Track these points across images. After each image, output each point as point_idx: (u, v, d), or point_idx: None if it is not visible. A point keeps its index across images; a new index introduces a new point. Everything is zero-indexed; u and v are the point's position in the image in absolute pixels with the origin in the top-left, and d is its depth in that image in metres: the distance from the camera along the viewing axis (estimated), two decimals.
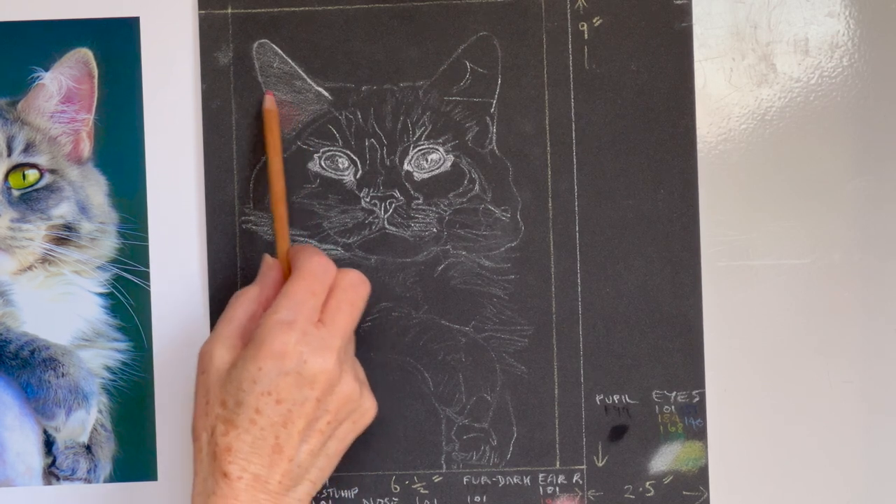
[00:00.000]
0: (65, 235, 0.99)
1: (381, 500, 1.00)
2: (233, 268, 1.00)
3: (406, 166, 1.00)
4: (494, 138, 1.00)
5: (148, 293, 1.00)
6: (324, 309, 0.91)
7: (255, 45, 0.99)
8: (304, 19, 0.99)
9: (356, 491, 1.00)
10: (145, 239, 1.00)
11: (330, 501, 1.00)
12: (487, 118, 1.00)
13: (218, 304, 0.98)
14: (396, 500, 1.00)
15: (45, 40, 0.99)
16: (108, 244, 1.00)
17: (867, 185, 1.00)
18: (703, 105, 1.00)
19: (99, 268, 1.00)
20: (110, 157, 1.00)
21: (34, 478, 1.00)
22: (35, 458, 1.00)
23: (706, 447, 1.00)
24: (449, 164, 1.00)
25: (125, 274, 1.00)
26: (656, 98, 1.00)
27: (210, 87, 0.99)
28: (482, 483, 1.00)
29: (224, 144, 1.00)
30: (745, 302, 1.00)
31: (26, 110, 0.99)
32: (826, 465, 1.01)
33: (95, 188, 0.99)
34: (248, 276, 0.99)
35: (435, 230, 1.00)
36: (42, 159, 0.99)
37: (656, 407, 1.00)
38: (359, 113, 1.00)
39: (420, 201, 1.00)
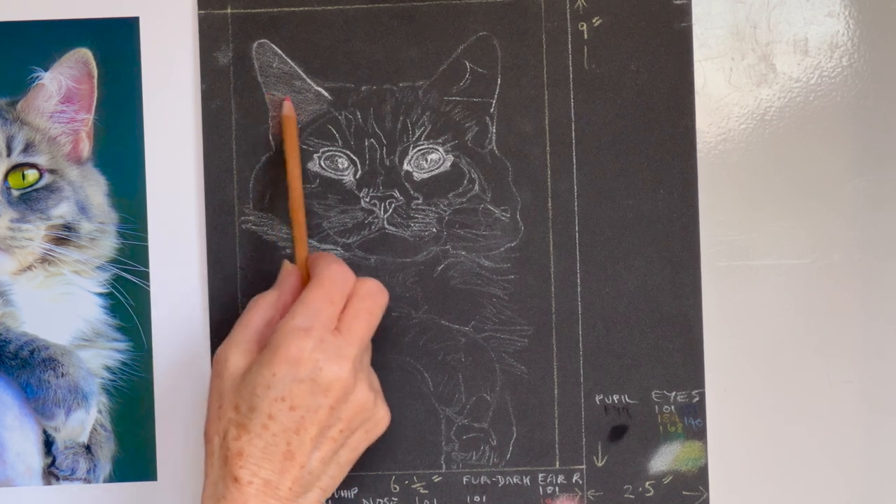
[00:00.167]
0: (64, 235, 0.99)
1: (381, 500, 1.00)
2: (232, 268, 1.00)
3: (406, 166, 1.00)
4: (494, 138, 1.00)
5: (148, 293, 1.00)
6: (341, 317, 0.91)
7: (255, 45, 0.99)
8: (304, 19, 0.99)
9: (356, 491, 1.00)
10: (145, 239, 1.00)
11: (330, 501, 1.00)
12: (487, 118, 1.00)
13: (218, 305, 0.98)
14: (396, 499, 1.00)
15: (45, 40, 0.99)
16: (108, 244, 1.00)
17: (867, 185, 1.00)
18: (703, 105, 1.00)
19: (99, 268, 1.00)
20: (110, 157, 1.00)
21: (34, 478, 1.00)
22: (35, 458, 1.00)
23: (706, 447, 1.00)
24: (448, 164, 1.00)
25: (125, 274, 1.00)
26: (656, 98, 1.00)
27: (210, 87, 0.99)
28: (482, 483, 1.00)
29: (224, 144, 1.00)
30: (745, 302, 1.00)
31: (26, 110, 0.99)
32: (826, 465, 1.01)
33: (95, 188, 0.99)
34: (248, 276, 0.99)
35: (434, 230, 1.00)
36: (42, 159, 0.99)
37: (656, 407, 1.00)
38: (358, 113, 1.00)
39: (420, 201, 1.00)
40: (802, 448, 1.01)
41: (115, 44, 0.99)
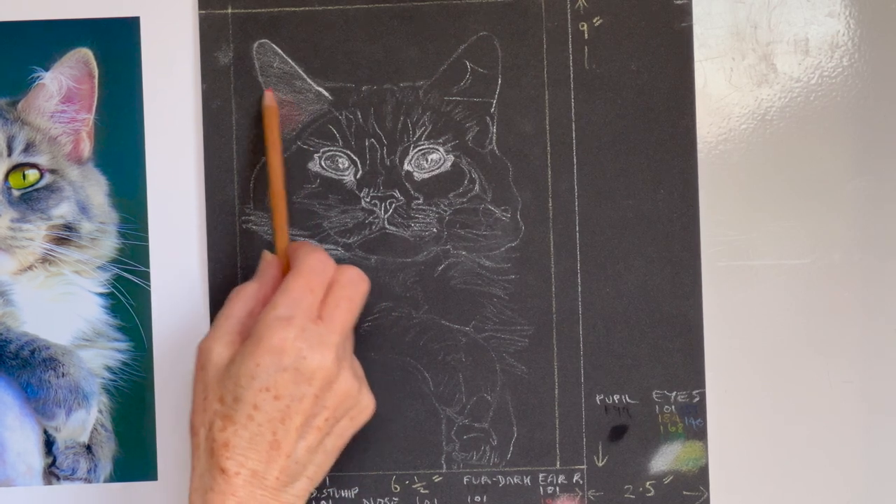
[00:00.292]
0: (65, 235, 0.99)
1: (382, 500, 1.00)
2: (233, 268, 1.00)
3: (406, 166, 1.00)
4: (494, 138, 1.00)
5: (148, 293, 1.00)
6: (322, 305, 0.91)
7: (256, 45, 0.99)
8: (305, 19, 0.99)
9: (356, 491, 1.00)
10: (145, 239, 1.00)
11: (330, 501, 1.00)
12: (487, 118, 1.00)
13: (218, 304, 0.98)
14: (396, 499, 1.00)
15: (45, 40, 0.99)
16: (109, 244, 1.00)
17: (867, 185, 1.00)
18: (703, 105, 1.00)
19: (99, 268, 1.00)
20: (110, 157, 1.00)
21: (34, 478, 1.00)
22: (35, 458, 1.00)
23: (706, 447, 1.00)
24: (449, 164, 1.00)
25: (125, 274, 1.00)
26: (656, 98, 1.00)
27: (210, 87, 0.99)
28: (482, 483, 1.00)
29: (224, 144, 1.00)
30: (745, 302, 1.00)
31: (26, 110, 0.99)
32: (826, 465, 1.01)
33: (95, 188, 0.99)
34: (249, 276, 0.98)
35: (435, 230, 1.00)
36: (42, 159, 0.99)
37: (656, 407, 1.00)
38: (359, 113, 1.00)
39: (420, 201, 1.00)
40: (802, 448, 1.01)
41: (116, 44, 0.99)
